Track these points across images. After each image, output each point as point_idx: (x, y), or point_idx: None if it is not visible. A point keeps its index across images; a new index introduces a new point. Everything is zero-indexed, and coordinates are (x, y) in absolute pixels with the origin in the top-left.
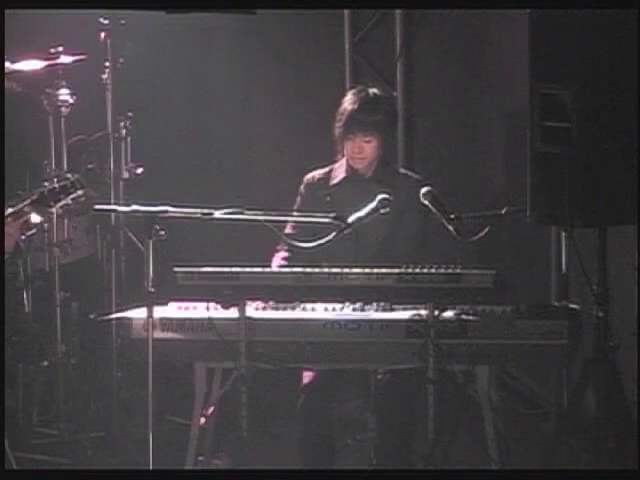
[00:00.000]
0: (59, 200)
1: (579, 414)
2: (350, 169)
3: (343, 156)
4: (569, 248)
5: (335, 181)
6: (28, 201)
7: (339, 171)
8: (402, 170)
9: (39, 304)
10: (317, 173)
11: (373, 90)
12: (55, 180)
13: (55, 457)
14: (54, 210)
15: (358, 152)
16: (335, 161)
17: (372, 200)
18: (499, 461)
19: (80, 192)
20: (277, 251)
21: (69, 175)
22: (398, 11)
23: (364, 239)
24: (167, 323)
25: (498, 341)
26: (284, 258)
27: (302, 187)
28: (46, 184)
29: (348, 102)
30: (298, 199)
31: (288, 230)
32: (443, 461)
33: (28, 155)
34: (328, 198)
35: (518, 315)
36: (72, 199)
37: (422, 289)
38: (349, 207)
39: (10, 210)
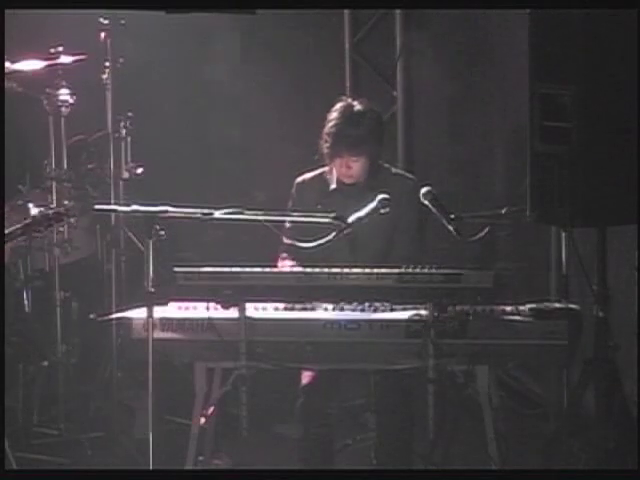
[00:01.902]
0: (50, 226)
1: (579, 414)
2: (340, 181)
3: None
4: (569, 248)
5: (326, 191)
6: (21, 225)
7: (330, 179)
8: (395, 170)
9: (39, 304)
10: (307, 177)
11: (357, 107)
12: (50, 206)
13: (55, 457)
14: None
15: (347, 170)
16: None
17: (369, 202)
18: (499, 461)
19: (72, 220)
20: (282, 259)
21: (66, 202)
22: (398, 11)
23: (361, 240)
24: (167, 323)
25: (498, 341)
26: (291, 259)
27: (293, 191)
28: (41, 209)
29: (333, 122)
30: (290, 203)
31: (286, 240)
32: (443, 461)
33: (28, 155)
34: (319, 207)
35: (518, 315)
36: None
37: (422, 289)
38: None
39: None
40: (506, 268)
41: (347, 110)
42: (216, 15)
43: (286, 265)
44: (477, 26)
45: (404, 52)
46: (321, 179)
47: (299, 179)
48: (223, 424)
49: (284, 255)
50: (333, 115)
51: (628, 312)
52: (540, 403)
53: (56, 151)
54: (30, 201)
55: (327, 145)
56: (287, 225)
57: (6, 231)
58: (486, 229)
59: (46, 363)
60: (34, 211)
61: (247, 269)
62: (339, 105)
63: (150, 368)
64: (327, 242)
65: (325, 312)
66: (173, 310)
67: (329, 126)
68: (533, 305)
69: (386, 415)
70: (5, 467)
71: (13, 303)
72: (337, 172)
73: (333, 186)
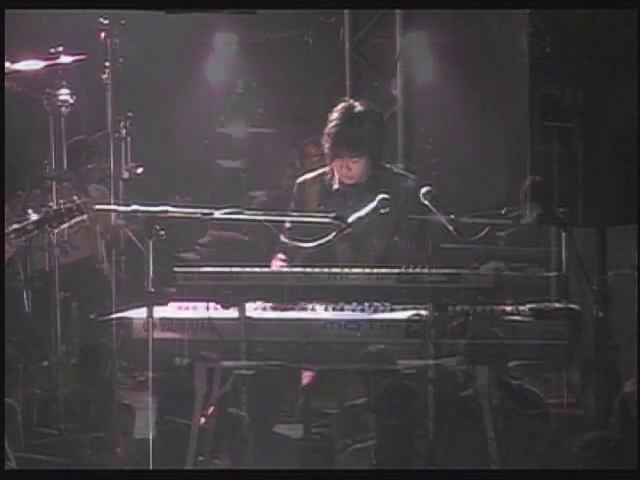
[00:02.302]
0: (62, 222)
1: (579, 414)
2: (341, 182)
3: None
4: (569, 248)
5: (328, 191)
6: (32, 220)
7: (331, 179)
8: (397, 170)
9: (39, 304)
10: (309, 177)
11: (358, 108)
12: (62, 202)
13: (55, 457)
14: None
15: (347, 171)
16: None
17: (369, 202)
18: (499, 461)
19: (84, 217)
20: (275, 258)
21: (75, 197)
22: (398, 11)
23: (361, 240)
24: (167, 323)
25: (498, 341)
26: (282, 260)
27: (295, 191)
28: (52, 204)
29: (333, 123)
30: (292, 204)
31: (282, 239)
32: (443, 461)
33: (28, 155)
34: (321, 207)
35: (518, 315)
36: (75, 222)
37: (422, 289)
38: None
39: (15, 226)
40: (506, 268)
41: (348, 111)
42: (216, 15)
43: (276, 264)
44: (477, 26)
45: (404, 52)
46: (322, 179)
47: (300, 179)
48: (223, 424)
49: (279, 256)
50: (334, 115)
51: (628, 312)
52: (540, 403)
53: (56, 151)
54: (30, 202)
55: (327, 145)
56: (287, 225)
57: (18, 225)
58: (486, 229)
59: (46, 363)
60: (34, 216)
61: (247, 269)
62: (340, 106)
63: (150, 368)
64: (327, 242)
65: (325, 312)
66: (173, 310)
67: (330, 126)
68: (533, 305)
69: (386, 415)
70: (5, 467)
71: (13, 303)
72: (338, 173)
73: (336, 186)
